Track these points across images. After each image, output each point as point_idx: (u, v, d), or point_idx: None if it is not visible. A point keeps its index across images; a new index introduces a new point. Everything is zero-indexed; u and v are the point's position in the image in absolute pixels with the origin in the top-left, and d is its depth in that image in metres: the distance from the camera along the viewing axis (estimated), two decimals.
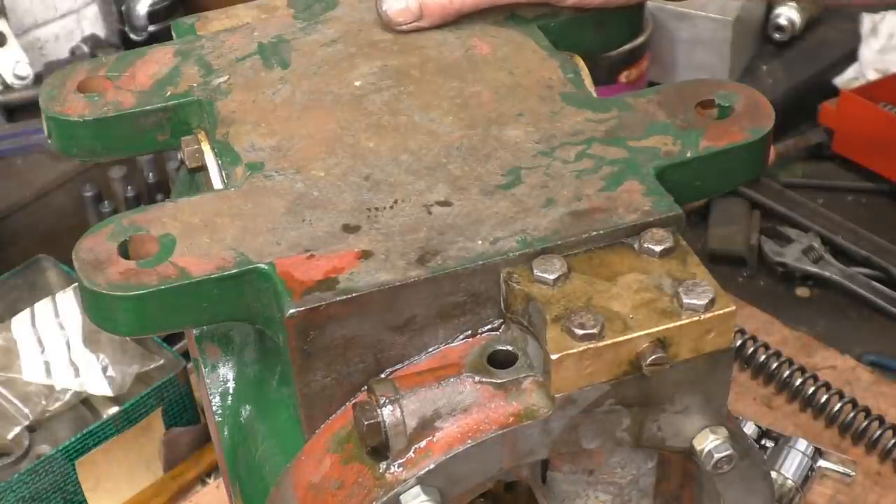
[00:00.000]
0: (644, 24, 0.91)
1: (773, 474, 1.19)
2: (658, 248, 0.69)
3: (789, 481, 1.18)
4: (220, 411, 0.81)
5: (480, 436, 0.66)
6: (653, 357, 0.65)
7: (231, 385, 0.81)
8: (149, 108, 0.81)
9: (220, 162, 0.77)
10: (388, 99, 0.80)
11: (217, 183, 0.77)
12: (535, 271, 0.68)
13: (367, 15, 0.87)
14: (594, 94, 0.81)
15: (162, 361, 1.26)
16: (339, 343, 0.68)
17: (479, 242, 0.69)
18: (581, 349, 0.65)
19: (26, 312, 1.30)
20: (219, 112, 0.79)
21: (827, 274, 1.44)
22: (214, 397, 0.81)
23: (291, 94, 0.81)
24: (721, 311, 0.67)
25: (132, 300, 0.68)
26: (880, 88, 1.59)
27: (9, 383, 1.25)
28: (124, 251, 0.70)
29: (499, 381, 0.68)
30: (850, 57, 1.71)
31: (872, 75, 1.67)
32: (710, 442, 0.70)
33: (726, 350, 0.68)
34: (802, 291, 1.45)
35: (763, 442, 1.22)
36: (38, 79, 1.62)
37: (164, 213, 0.72)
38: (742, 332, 1.33)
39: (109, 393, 1.24)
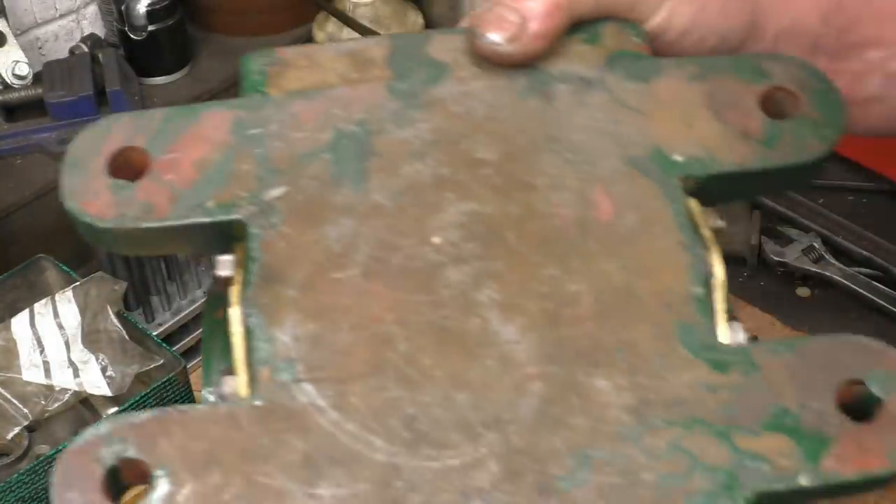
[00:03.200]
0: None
1: None
2: None
3: None
4: None
5: None
6: None
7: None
8: (184, 222, 0.64)
9: (249, 344, 0.61)
10: (467, 283, 0.62)
11: (240, 370, 0.62)
12: None
13: (478, 105, 0.68)
14: (719, 328, 0.64)
15: (162, 361, 1.26)
16: None
17: None
18: None
19: (25, 312, 1.29)
20: (262, 255, 0.63)
21: (827, 274, 1.44)
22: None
23: (354, 242, 0.63)
24: None
25: None
26: None
27: (8, 383, 1.25)
28: (111, 477, 0.57)
29: None
30: None
31: None
32: None
33: None
34: (802, 291, 1.45)
35: None
36: (38, 78, 1.62)
37: (163, 430, 0.58)
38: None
39: (109, 393, 1.24)
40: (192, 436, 0.58)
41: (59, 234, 1.57)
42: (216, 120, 0.66)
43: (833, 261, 1.45)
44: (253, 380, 0.60)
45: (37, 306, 1.29)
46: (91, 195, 0.65)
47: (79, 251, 1.53)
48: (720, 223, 0.65)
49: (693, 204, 0.65)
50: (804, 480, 0.57)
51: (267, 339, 0.61)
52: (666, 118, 0.66)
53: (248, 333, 0.61)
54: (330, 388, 0.59)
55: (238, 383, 0.61)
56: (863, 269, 1.45)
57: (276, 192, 0.64)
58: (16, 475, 1.14)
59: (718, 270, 0.64)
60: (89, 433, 0.58)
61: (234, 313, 0.62)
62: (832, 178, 1.59)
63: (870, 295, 1.41)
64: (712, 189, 0.65)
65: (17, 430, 1.23)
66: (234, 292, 0.62)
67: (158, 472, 0.57)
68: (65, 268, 1.36)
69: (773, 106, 0.66)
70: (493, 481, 0.57)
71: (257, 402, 0.59)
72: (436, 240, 0.63)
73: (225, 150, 0.65)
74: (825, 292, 1.44)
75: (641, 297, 0.62)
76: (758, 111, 0.66)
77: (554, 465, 0.57)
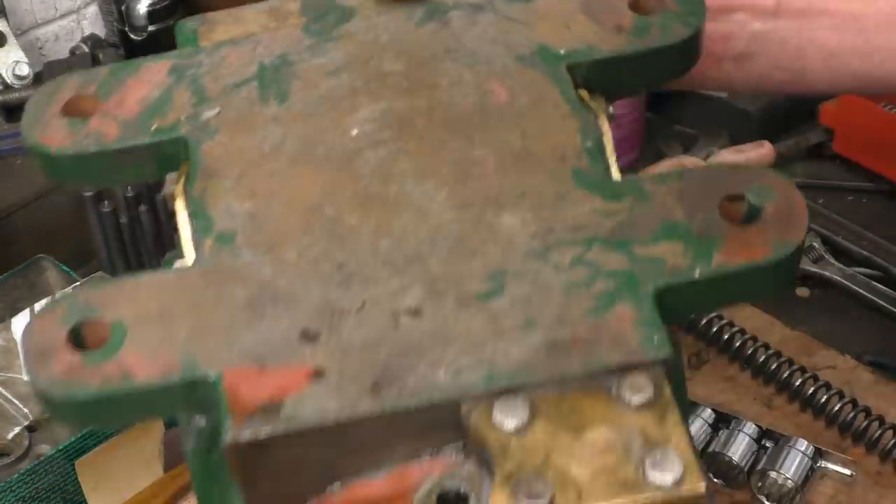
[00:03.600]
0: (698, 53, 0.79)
1: (773, 474, 1.19)
2: (635, 399, 0.61)
3: (789, 481, 1.18)
4: (190, 455, 0.74)
5: None
6: None
7: (201, 433, 0.74)
8: (132, 144, 0.74)
9: (192, 224, 0.70)
10: (383, 158, 0.71)
11: (186, 247, 0.70)
12: (495, 415, 0.61)
13: (383, 33, 0.79)
14: (612, 171, 0.71)
15: None
16: (284, 463, 0.63)
17: (441, 372, 0.62)
18: None
19: (26, 312, 1.30)
20: (201, 158, 0.72)
21: (827, 274, 1.44)
22: (185, 437, 0.75)
23: (282, 141, 0.73)
24: (688, 493, 0.58)
25: (71, 402, 0.63)
26: None
27: (9, 383, 1.25)
28: (76, 336, 0.65)
29: None
30: None
31: None
32: None
33: None
34: (802, 291, 1.45)
35: (763, 442, 1.22)
36: (38, 79, 1.62)
37: (121, 294, 0.66)
38: (742, 332, 1.33)
39: None
40: (144, 296, 0.66)
41: (59, 234, 1.57)
42: (155, 68, 0.78)
43: (833, 261, 1.45)
44: (198, 247, 0.69)
45: (37, 306, 1.30)
46: (49, 131, 0.76)
47: (79, 251, 1.53)
48: (611, 110, 0.76)
49: (582, 93, 0.75)
50: (698, 273, 0.65)
51: (207, 218, 0.70)
52: (548, 25, 0.78)
53: (191, 218, 0.70)
54: (266, 250, 0.68)
55: (186, 264, 0.70)
56: (862, 269, 1.45)
57: (210, 113, 0.75)
58: (16, 475, 1.14)
59: (606, 128, 0.74)
60: (50, 303, 0.67)
61: (178, 204, 0.71)
62: (832, 178, 1.59)
63: (869, 295, 1.42)
64: (595, 77, 0.76)
65: (17, 430, 1.23)
66: (178, 189, 0.72)
67: (115, 325, 0.64)
68: (65, 268, 1.37)
69: (641, 7, 0.78)
70: (418, 301, 0.65)
71: (202, 267, 0.68)
72: (354, 132, 0.73)
73: (163, 89, 0.76)
74: (825, 292, 1.44)
75: (538, 154, 0.71)
76: (628, 11, 0.78)
77: (472, 284, 0.65)
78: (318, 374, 0.62)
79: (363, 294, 0.65)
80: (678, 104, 1.68)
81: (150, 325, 0.65)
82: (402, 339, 0.63)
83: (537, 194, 0.69)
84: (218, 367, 0.63)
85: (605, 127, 0.74)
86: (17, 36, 1.64)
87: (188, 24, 0.82)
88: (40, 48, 1.73)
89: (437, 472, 0.63)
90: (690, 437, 0.61)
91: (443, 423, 0.62)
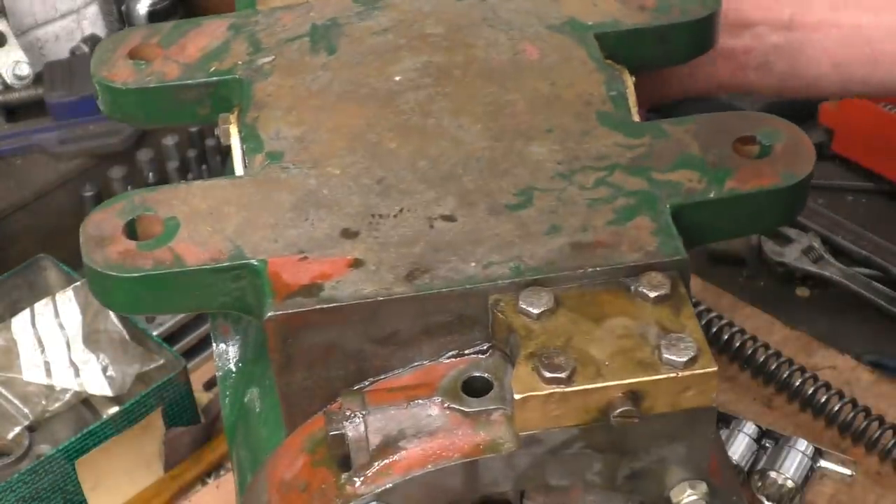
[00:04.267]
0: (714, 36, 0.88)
1: (773, 474, 1.19)
2: (652, 294, 0.67)
3: (789, 481, 1.18)
4: (224, 388, 0.82)
5: (442, 461, 0.66)
6: (621, 409, 0.63)
7: (235, 363, 0.83)
8: (190, 82, 0.81)
9: (244, 147, 0.77)
10: (423, 98, 0.79)
11: (238, 168, 0.77)
12: (520, 302, 0.66)
13: (426, 4, 0.86)
14: (634, 117, 0.78)
15: (162, 361, 1.26)
16: (319, 348, 0.68)
17: (472, 265, 0.68)
18: (547, 392, 0.63)
19: (26, 312, 1.30)
20: (254, 94, 0.79)
21: (827, 274, 1.44)
22: (220, 373, 0.82)
23: (329, 83, 0.80)
24: (701, 371, 0.64)
25: (125, 281, 0.69)
26: None
27: (9, 383, 1.25)
28: (131, 229, 0.71)
29: (468, 409, 0.66)
30: None
31: None
32: (686, 496, 0.68)
33: (707, 408, 0.65)
34: (802, 291, 1.45)
35: (763, 442, 1.22)
36: (38, 79, 1.62)
37: (175, 195, 0.73)
38: (742, 332, 1.33)
39: (109, 393, 1.24)
40: (197, 197, 0.73)
41: (59, 234, 1.57)
42: (216, 24, 0.86)
43: (833, 261, 1.45)
44: (248, 164, 0.75)
45: (37, 306, 1.30)
46: (115, 69, 0.83)
47: (79, 251, 1.53)
48: (633, 79, 0.82)
49: (607, 61, 0.82)
50: (712, 194, 0.72)
51: (258, 140, 0.77)
52: (577, 2, 0.86)
53: (242, 142, 0.77)
54: (312, 165, 0.75)
55: None
56: (862, 269, 1.45)
57: (265, 60, 0.82)
58: (16, 475, 1.14)
59: (629, 80, 0.81)
60: (108, 202, 0.73)
61: (232, 130, 0.79)
62: (832, 178, 1.59)
63: (869, 295, 1.41)
64: (620, 47, 0.83)
65: (17, 429, 1.23)
66: (232, 118, 0.79)
67: (169, 220, 0.71)
68: (65, 268, 1.37)
69: None
70: (451, 209, 0.71)
71: (251, 176, 0.75)
72: (397, 77, 0.81)
73: (222, 41, 0.84)
74: (825, 292, 1.44)
75: (566, 99, 0.78)
76: None
77: (502, 197, 0.72)
78: (357, 264, 0.68)
79: (401, 202, 0.72)
80: (679, 105, 1.68)
81: (201, 221, 0.71)
82: (437, 238, 0.70)
83: (564, 130, 0.76)
84: (263, 255, 0.69)
85: (629, 82, 0.81)
86: (17, 36, 1.64)
87: None
88: (40, 48, 1.73)
89: (462, 366, 0.68)
90: (702, 329, 0.66)
91: (471, 318, 0.68)
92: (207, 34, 0.84)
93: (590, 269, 0.67)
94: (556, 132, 0.76)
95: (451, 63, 0.81)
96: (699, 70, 0.97)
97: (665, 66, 0.88)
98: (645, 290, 0.67)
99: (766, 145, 0.75)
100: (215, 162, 1.56)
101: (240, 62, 0.82)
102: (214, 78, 0.81)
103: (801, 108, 1.63)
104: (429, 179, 0.73)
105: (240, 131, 0.78)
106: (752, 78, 1.00)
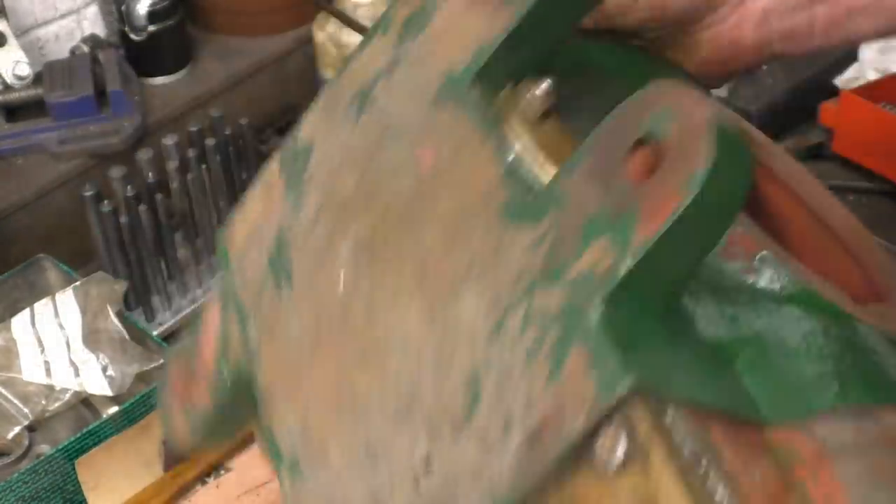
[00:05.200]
0: None
1: None
2: (614, 459, 0.53)
3: None
4: None
5: None
6: None
7: None
8: (223, 403, 0.79)
9: (274, 462, 0.74)
10: (365, 299, 0.68)
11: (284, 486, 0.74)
12: None
13: (336, 153, 0.73)
14: (534, 170, 0.62)
15: (162, 361, 1.26)
16: None
17: None
18: None
19: (26, 312, 1.30)
20: (260, 388, 0.74)
21: None
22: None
23: (300, 330, 0.72)
24: None
25: None
26: (880, 88, 1.59)
27: (9, 383, 1.25)
28: None
29: None
30: (851, 57, 1.71)
31: (872, 75, 1.67)
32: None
33: None
34: None
35: None
36: (38, 79, 1.62)
37: None
38: None
39: (109, 393, 1.24)
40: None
41: (59, 234, 1.57)
42: (213, 312, 0.79)
43: None
44: (281, 481, 0.72)
45: (37, 306, 1.30)
46: (174, 428, 0.83)
47: (79, 251, 1.53)
48: (545, 85, 0.63)
49: (504, 94, 0.65)
50: (629, 262, 0.53)
51: (277, 448, 0.72)
52: (444, 46, 0.68)
53: (269, 451, 0.73)
54: (321, 463, 0.69)
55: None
56: None
57: (252, 334, 0.75)
58: (16, 475, 1.14)
59: (518, 128, 0.63)
60: None
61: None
62: (832, 178, 1.59)
63: None
64: (509, 63, 0.64)
65: (17, 429, 1.23)
66: (256, 429, 0.76)
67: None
68: (65, 267, 1.37)
69: None
70: (426, 451, 0.62)
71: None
72: (341, 286, 0.69)
73: (221, 332, 0.78)
74: None
75: (470, 206, 0.63)
76: None
77: (456, 402, 0.60)
78: None
79: (390, 472, 0.64)
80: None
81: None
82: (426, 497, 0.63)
83: (480, 260, 0.62)
84: None
85: (519, 130, 0.63)
86: (17, 36, 1.64)
87: (221, 239, 0.80)
88: (40, 48, 1.73)
89: None
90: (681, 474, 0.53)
91: None
92: (211, 331, 0.80)
93: (550, 465, 0.55)
94: (475, 265, 0.62)
95: (371, 229, 0.69)
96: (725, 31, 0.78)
97: (569, 38, 0.66)
98: (606, 458, 0.54)
99: (658, 142, 0.55)
100: (215, 162, 1.56)
101: (240, 352, 0.76)
102: (235, 390, 0.77)
103: (801, 108, 1.63)
104: (399, 418, 0.64)
105: (265, 440, 0.74)
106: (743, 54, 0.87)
